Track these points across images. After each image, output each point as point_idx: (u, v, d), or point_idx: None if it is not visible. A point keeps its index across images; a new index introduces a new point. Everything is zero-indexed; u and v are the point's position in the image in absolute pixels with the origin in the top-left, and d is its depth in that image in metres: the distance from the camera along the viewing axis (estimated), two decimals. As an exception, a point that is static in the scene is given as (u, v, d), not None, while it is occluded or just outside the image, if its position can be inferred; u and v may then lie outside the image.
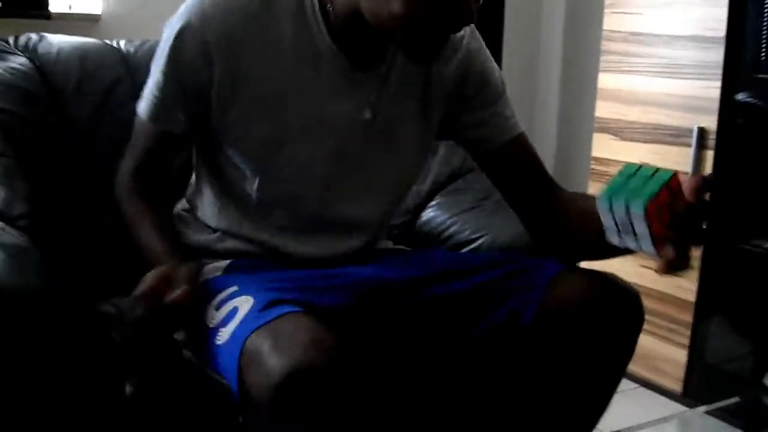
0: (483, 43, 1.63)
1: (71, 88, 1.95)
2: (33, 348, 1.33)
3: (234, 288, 1.37)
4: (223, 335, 1.28)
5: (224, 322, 1.30)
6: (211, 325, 1.33)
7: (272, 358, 1.17)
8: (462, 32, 1.53)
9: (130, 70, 2.02)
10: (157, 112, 1.49)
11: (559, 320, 1.48)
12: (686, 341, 2.72)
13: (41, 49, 1.99)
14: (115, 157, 1.89)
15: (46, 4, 2.55)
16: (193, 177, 1.67)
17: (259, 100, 1.44)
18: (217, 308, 1.34)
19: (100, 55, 2.03)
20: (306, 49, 1.44)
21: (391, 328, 1.56)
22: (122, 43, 2.11)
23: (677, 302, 2.73)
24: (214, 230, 1.61)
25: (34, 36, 2.03)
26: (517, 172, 1.63)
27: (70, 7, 2.69)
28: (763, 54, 2.59)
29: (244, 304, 1.30)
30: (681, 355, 2.74)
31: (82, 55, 2.01)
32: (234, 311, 1.30)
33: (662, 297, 2.77)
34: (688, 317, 2.71)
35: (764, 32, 2.58)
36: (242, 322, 1.27)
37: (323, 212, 1.56)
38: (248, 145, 1.48)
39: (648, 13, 2.84)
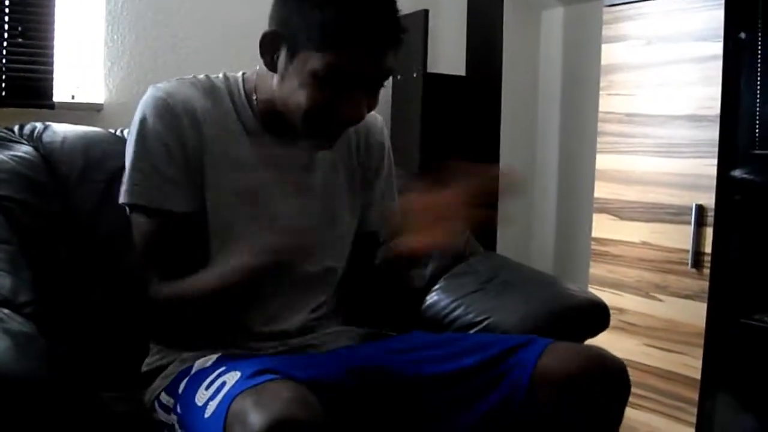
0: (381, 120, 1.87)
1: (76, 176, 1.96)
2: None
3: (222, 368, 1.42)
4: (211, 407, 1.32)
5: (212, 396, 1.34)
6: (200, 404, 1.37)
7: (254, 413, 1.21)
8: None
9: (134, 158, 2.04)
10: (151, 194, 1.56)
11: (549, 395, 1.51)
12: (693, 419, 2.69)
13: (46, 138, 2.01)
14: (119, 244, 1.91)
15: (50, 94, 2.59)
16: None
17: (213, 169, 1.59)
18: (207, 387, 1.39)
19: (104, 144, 2.06)
20: (238, 128, 1.63)
21: (376, 410, 1.56)
22: (125, 132, 2.14)
23: (683, 380, 2.71)
24: None
25: (38, 125, 2.06)
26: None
27: (73, 97, 2.72)
28: (757, 130, 2.63)
29: (231, 377, 1.35)
30: (689, 434, 2.71)
31: (87, 143, 2.03)
32: (222, 385, 1.35)
33: (668, 375, 2.76)
34: (694, 395, 2.68)
35: (758, 110, 2.61)
36: (229, 390, 1.31)
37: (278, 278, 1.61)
38: (212, 216, 1.59)
39: (642, 93, 2.88)
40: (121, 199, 1.59)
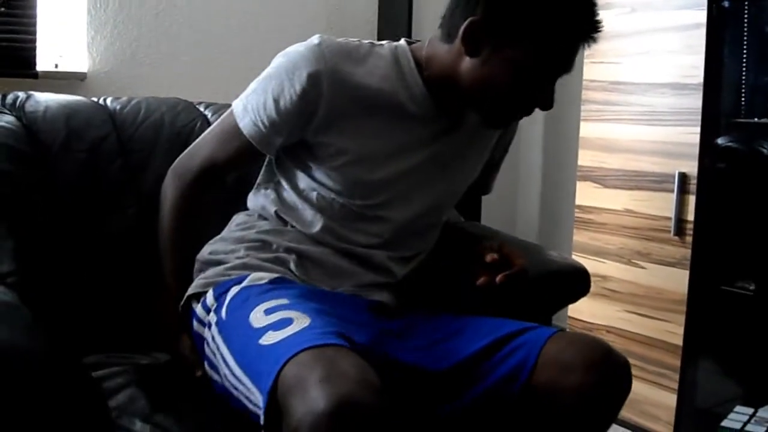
0: None
1: (58, 145, 1.95)
2: (20, 405, 1.33)
3: (284, 300, 1.44)
4: (271, 337, 1.34)
5: (275, 326, 1.36)
6: (255, 326, 1.39)
7: (319, 391, 1.19)
8: None
9: (117, 127, 2.03)
10: (260, 135, 1.66)
11: (550, 379, 1.53)
12: (675, 385, 2.72)
13: (28, 107, 2.00)
14: (102, 212, 1.92)
15: (33, 63, 2.58)
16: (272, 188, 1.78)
17: (355, 128, 1.64)
18: (267, 312, 1.41)
19: (87, 113, 2.05)
20: (400, 92, 1.65)
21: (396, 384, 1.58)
22: (108, 101, 2.13)
23: (665, 346, 2.74)
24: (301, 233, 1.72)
25: (21, 94, 2.04)
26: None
27: (56, 66, 2.71)
28: (743, 99, 2.64)
29: (300, 319, 1.36)
30: (671, 400, 2.73)
31: (69, 112, 2.02)
32: (288, 321, 1.36)
33: (651, 342, 2.79)
34: (676, 361, 2.71)
35: (743, 78, 2.62)
36: (295, 334, 1.32)
37: (394, 220, 1.72)
38: (339, 163, 1.65)
39: (626, 62, 2.89)
40: (234, 104, 1.70)
